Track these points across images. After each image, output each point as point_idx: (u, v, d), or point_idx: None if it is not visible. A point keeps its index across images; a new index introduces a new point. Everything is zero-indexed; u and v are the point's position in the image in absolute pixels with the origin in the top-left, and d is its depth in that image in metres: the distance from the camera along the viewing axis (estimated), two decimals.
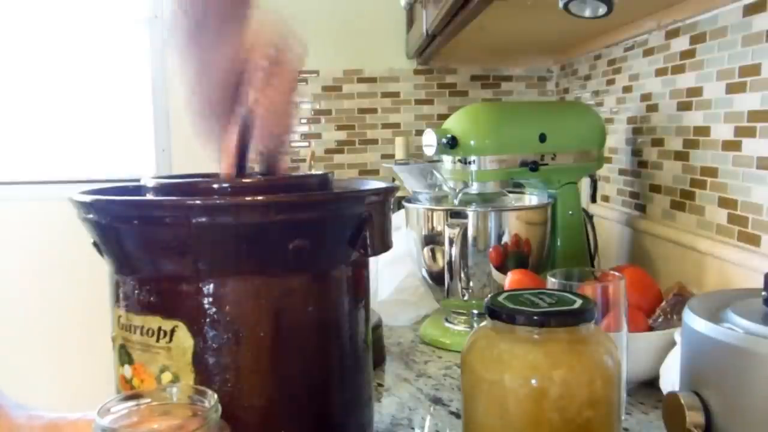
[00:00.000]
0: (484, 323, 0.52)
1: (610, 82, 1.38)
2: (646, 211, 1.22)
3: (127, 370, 0.54)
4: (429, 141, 1.04)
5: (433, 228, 1.02)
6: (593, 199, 1.18)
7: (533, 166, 1.05)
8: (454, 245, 0.95)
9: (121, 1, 1.94)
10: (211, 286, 0.51)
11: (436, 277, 1.03)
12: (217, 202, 0.52)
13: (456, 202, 1.05)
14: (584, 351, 0.48)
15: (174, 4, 0.56)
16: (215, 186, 0.56)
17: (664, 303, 0.85)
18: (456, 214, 0.99)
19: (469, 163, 1.03)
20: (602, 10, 0.81)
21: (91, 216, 0.53)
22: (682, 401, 0.49)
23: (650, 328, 0.82)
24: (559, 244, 1.09)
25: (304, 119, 1.88)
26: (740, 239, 0.92)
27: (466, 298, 0.98)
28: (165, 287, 0.52)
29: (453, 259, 0.95)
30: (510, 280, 0.93)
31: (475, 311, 1.02)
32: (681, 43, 1.07)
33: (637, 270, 0.92)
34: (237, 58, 0.56)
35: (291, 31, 0.58)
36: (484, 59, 1.86)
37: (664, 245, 1.11)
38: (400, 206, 1.11)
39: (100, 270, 0.57)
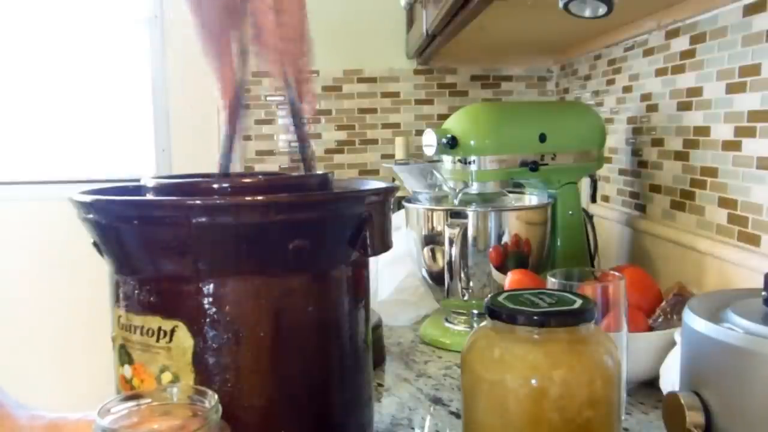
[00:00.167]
0: (484, 323, 0.52)
1: (610, 82, 1.38)
2: (646, 211, 1.22)
3: (127, 370, 0.54)
4: (429, 141, 1.04)
5: (433, 228, 1.02)
6: (593, 199, 1.18)
7: (533, 166, 1.05)
8: (454, 245, 0.95)
9: (121, 1, 1.94)
10: (211, 286, 0.51)
11: (436, 277, 1.03)
12: (217, 202, 0.52)
13: (456, 202, 1.05)
14: (584, 351, 0.48)
15: None
16: (215, 186, 0.56)
17: (664, 303, 0.85)
18: (456, 214, 0.99)
19: (469, 163, 1.03)
20: (602, 10, 0.81)
21: (91, 216, 0.53)
22: (682, 401, 0.49)
23: (650, 328, 0.82)
24: (559, 244, 1.09)
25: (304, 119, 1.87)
26: (740, 239, 0.92)
27: (466, 298, 0.98)
28: (165, 287, 0.52)
29: (453, 259, 0.95)
30: (510, 280, 0.93)
31: (475, 311, 1.02)
32: (681, 43, 1.07)
33: (637, 270, 0.92)
34: None
35: None
36: (484, 59, 1.86)
37: (664, 245, 1.11)
38: (400, 206, 1.11)
39: (100, 270, 0.57)
